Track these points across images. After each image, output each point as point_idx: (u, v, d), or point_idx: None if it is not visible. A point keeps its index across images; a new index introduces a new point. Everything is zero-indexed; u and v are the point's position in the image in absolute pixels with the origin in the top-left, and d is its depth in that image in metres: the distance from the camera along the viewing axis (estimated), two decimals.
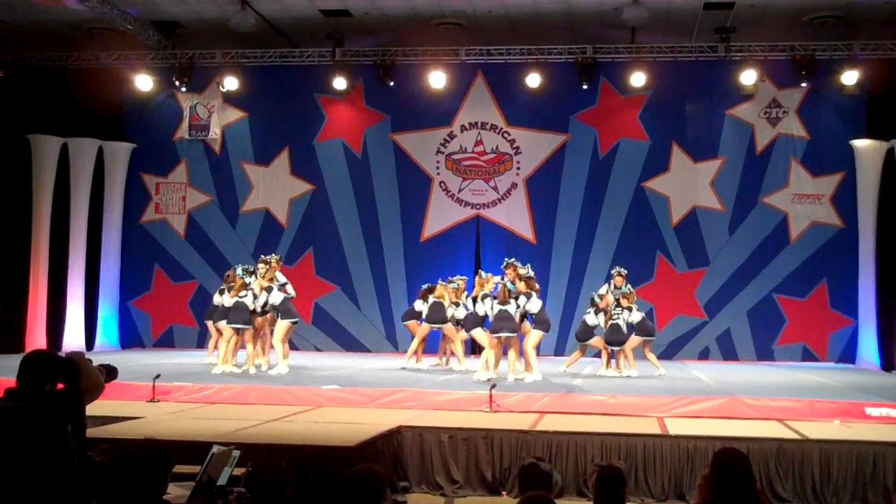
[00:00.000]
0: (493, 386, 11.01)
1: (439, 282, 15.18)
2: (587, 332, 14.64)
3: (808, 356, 17.97)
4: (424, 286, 15.38)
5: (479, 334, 13.67)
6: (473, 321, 13.78)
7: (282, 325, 13.92)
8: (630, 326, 14.33)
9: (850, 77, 17.37)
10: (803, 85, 17.88)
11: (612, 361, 14.71)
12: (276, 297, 13.86)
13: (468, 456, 9.41)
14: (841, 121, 18.23)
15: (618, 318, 14.33)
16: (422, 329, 15.18)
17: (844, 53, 17.42)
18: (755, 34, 17.34)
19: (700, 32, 17.52)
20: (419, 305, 15.25)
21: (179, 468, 5.71)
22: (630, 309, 14.36)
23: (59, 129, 18.91)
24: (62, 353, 5.33)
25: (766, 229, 18.31)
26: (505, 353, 13.39)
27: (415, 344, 15.36)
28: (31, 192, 18.73)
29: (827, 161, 18.20)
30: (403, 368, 14.80)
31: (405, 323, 15.93)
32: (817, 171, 18.26)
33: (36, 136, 18.78)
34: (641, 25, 17.03)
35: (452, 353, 15.48)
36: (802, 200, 18.27)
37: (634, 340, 14.39)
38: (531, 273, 13.62)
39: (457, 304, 15.01)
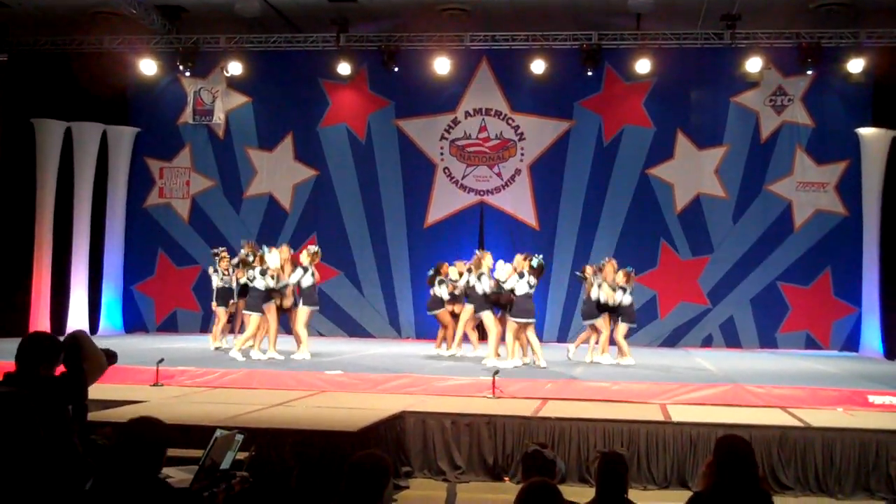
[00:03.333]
0: (497, 372, 11.02)
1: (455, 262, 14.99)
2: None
3: (811, 344, 17.97)
4: (430, 272, 15.24)
5: (489, 318, 13.64)
6: (482, 302, 13.73)
7: (305, 311, 13.93)
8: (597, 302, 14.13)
9: (856, 65, 17.30)
10: (809, 73, 17.83)
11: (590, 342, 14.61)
12: (308, 280, 13.88)
13: (471, 441, 9.42)
14: (846, 109, 18.16)
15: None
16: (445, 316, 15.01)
17: (850, 41, 17.35)
18: (761, 21, 17.28)
19: (705, 19, 17.46)
20: (438, 292, 15.08)
21: (182, 452, 5.73)
22: (624, 290, 14.19)
23: (64, 113, 18.91)
24: (65, 334, 5.32)
25: (770, 217, 18.28)
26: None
27: (460, 331, 14.93)
28: (34, 176, 18.76)
29: (832, 149, 18.15)
30: (452, 355, 14.69)
31: (433, 313, 15.41)
32: (822, 159, 18.21)
33: (40, 121, 18.79)
34: (647, 12, 17.00)
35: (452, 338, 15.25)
36: (807, 188, 18.23)
37: (623, 328, 14.24)
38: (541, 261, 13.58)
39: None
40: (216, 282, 15.55)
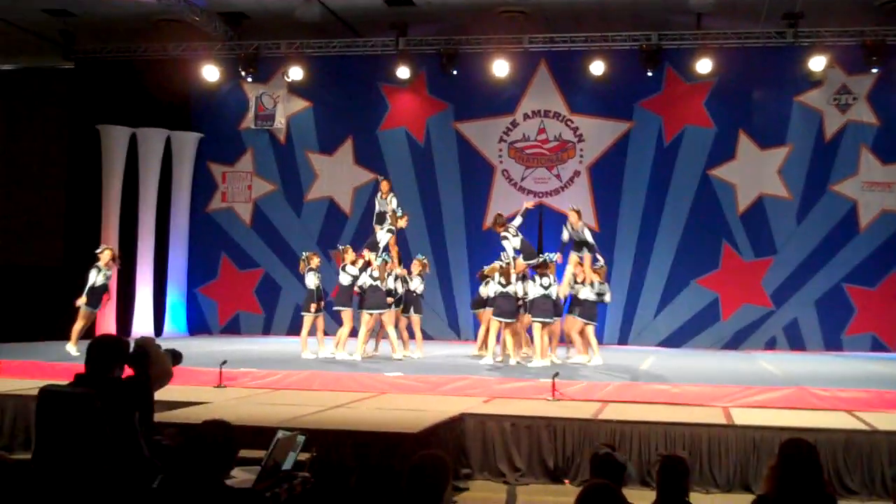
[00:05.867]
0: (556, 374, 10.99)
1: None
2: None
3: (877, 346, 17.63)
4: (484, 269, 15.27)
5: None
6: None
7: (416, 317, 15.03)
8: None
9: None
10: (874, 71, 17.51)
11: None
12: (420, 286, 14.86)
13: (530, 444, 9.41)
14: None
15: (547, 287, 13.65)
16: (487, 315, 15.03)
17: None
18: (824, 19, 17.03)
19: (767, 18, 17.25)
20: (483, 291, 15.08)
21: (245, 453, 5.79)
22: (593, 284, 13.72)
23: (129, 119, 19.26)
24: (131, 339, 5.42)
25: (834, 218, 17.97)
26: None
27: (482, 333, 15.14)
28: (100, 181, 19.14)
29: None
30: (474, 357, 14.68)
31: (475, 311, 15.74)
32: (888, 158, 17.86)
33: (106, 127, 19.16)
34: (707, 11, 16.84)
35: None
36: (872, 188, 17.89)
37: (577, 323, 13.91)
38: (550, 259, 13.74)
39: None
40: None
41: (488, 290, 14.62)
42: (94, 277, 14.43)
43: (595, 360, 13.67)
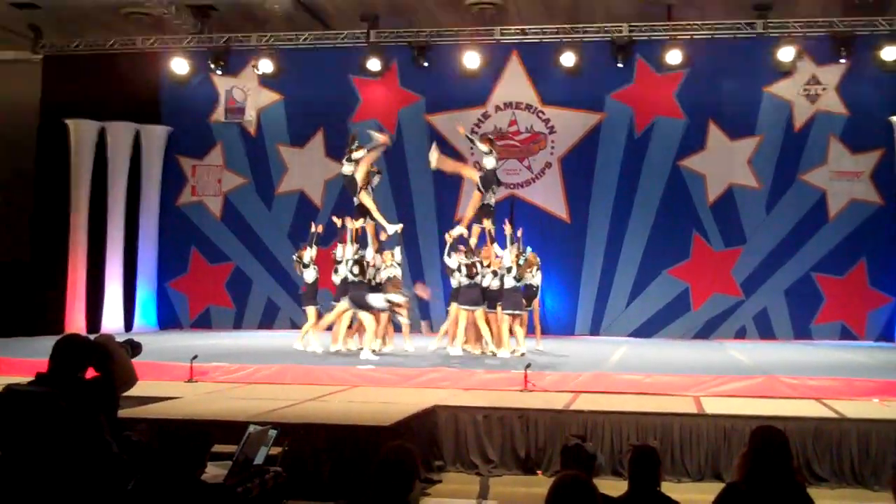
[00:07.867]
0: (528, 366, 11.01)
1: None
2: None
3: (846, 335, 17.78)
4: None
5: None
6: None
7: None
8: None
9: (890, 53, 17.09)
10: (843, 61, 17.63)
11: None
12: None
13: (503, 435, 9.42)
14: (881, 97, 17.90)
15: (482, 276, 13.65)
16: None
17: (885, 29, 17.14)
18: (793, 11, 17.15)
19: (737, 9, 17.32)
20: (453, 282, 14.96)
21: (217, 448, 5.75)
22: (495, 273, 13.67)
23: (97, 113, 19.09)
24: (93, 337, 5.31)
25: (803, 207, 18.10)
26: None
27: (448, 325, 14.90)
28: (69, 176, 18.96)
29: (866, 138, 17.93)
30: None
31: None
32: (856, 147, 18.01)
33: (74, 121, 18.99)
34: (677, 2, 16.89)
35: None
36: (841, 178, 18.03)
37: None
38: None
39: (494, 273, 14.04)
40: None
41: (454, 281, 14.31)
42: (306, 276, 14.54)
43: (453, 350, 13.71)
